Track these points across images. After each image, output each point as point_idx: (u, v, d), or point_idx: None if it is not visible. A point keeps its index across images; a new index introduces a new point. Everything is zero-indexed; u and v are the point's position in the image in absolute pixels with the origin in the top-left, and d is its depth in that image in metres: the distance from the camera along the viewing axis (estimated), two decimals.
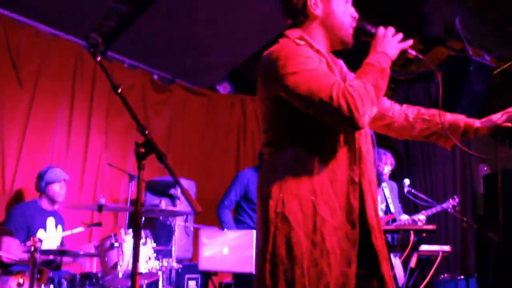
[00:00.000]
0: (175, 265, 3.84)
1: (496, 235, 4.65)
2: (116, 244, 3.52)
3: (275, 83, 1.71)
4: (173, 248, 3.95)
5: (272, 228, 1.67)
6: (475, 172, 6.42)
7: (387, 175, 4.74)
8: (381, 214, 4.43)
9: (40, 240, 3.12)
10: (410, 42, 1.82)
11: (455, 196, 4.69)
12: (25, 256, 3.59)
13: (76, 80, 5.15)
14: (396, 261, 4.15)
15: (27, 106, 4.73)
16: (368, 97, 1.61)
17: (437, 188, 6.35)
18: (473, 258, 5.94)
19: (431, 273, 3.76)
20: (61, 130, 4.99)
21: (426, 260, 4.00)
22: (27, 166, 4.61)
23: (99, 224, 4.33)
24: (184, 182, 5.13)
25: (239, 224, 4.43)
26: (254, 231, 3.79)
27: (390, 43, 1.76)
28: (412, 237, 3.32)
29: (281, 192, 1.69)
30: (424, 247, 3.76)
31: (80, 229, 4.01)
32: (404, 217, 4.61)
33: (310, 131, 1.72)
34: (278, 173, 1.71)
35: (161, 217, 3.97)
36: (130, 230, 3.64)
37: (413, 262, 3.61)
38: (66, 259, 3.71)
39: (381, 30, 1.80)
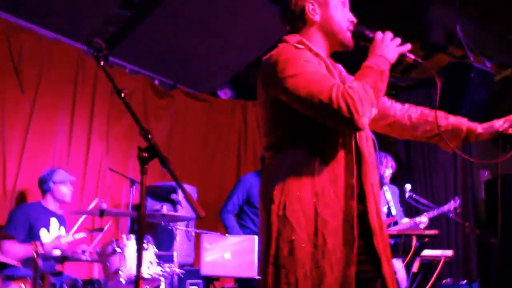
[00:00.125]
0: (177, 270, 3.82)
1: (498, 240, 4.64)
2: (118, 250, 3.51)
3: (275, 86, 1.72)
4: (175, 253, 3.94)
5: (274, 231, 1.68)
6: (476, 177, 6.41)
7: (388, 178, 4.74)
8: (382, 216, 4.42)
9: (42, 245, 3.11)
10: (409, 46, 1.82)
11: (456, 198, 4.67)
12: (23, 255, 3.60)
13: (78, 85, 5.15)
14: (399, 266, 4.14)
15: (28, 111, 4.72)
16: (367, 99, 1.62)
17: (438, 193, 6.33)
18: (475, 263, 5.93)
19: (433, 278, 3.74)
20: (62, 135, 4.98)
21: (429, 265, 3.99)
22: (29, 171, 4.60)
23: (100, 230, 4.32)
24: (185, 187, 5.11)
25: (242, 228, 4.42)
26: (256, 236, 3.78)
27: (389, 47, 1.77)
28: (414, 242, 3.32)
29: (283, 195, 1.70)
30: (426, 252, 3.75)
31: (82, 234, 3.99)
32: (405, 221, 4.60)
33: (311, 133, 1.73)
34: (280, 176, 1.72)
35: (162, 222, 3.96)
36: (132, 236, 3.62)
37: (415, 267, 3.61)
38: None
39: (379, 34, 1.81)
